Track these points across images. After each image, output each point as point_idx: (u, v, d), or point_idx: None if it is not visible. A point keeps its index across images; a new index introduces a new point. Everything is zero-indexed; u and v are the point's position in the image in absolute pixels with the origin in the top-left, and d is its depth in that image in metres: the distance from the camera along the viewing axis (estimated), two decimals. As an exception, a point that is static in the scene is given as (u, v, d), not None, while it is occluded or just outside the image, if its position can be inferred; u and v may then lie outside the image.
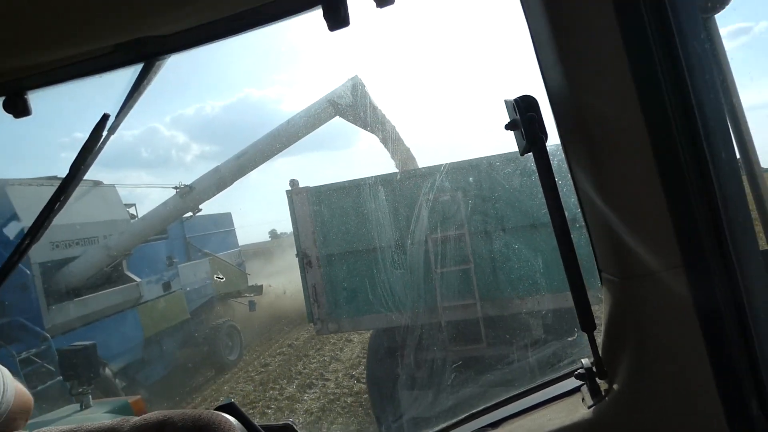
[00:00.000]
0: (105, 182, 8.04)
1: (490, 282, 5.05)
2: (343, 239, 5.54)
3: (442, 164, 5.35)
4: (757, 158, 0.73)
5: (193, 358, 8.80)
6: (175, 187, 7.46)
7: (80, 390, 2.93)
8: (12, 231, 6.17)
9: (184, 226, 9.46)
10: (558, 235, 0.84)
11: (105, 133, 0.85)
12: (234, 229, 11.49)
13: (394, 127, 7.85)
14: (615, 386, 0.81)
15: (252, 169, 7.31)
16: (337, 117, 7.22)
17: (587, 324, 0.83)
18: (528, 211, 4.73)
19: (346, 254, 5.54)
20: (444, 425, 0.99)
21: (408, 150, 8.07)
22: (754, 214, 0.75)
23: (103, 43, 0.81)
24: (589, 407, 0.83)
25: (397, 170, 7.67)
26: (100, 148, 0.86)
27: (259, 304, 10.61)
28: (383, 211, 5.40)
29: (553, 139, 0.87)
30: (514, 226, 4.94)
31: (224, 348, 9.00)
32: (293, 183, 5.76)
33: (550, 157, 0.85)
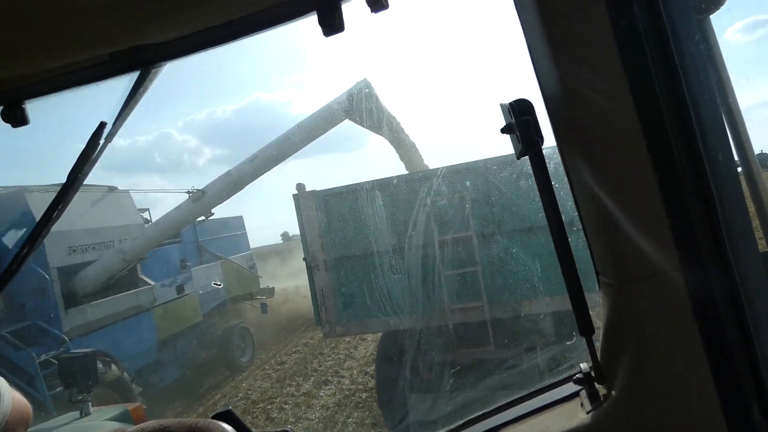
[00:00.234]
0: (120, 188, 8.21)
1: (498, 284, 5.01)
2: (350, 243, 5.55)
3: (451, 165, 5.34)
4: (755, 158, 0.72)
5: (207, 360, 8.92)
6: (188, 192, 7.57)
7: (80, 397, 2.93)
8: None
9: (196, 230, 9.59)
10: (555, 238, 0.83)
11: (102, 141, 0.87)
12: (246, 233, 11.61)
13: (403, 129, 7.88)
14: (614, 391, 0.80)
15: (264, 173, 7.38)
16: (347, 120, 7.25)
17: (585, 328, 0.82)
18: (540, 213, 4.68)
19: (353, 258, 5.56)
20: (443, 431, 0.98)
21: (417, 152, 8.08)
22: (753, 216, 0.74)
23: (99, 52, 0.82)
24: (588, 412, 0.82)
25: (407, 172, 7.69)
26: (98, 156, 0.88)
27: (271, 306, 10.72)
28: (389, 214, 5.41)
29: (549, 142, 0.87)
30: (523, 228, 4.90)
31: (237, 350, 9.10)
32: (300, 187, 5.80)
33: (546, 161, 0.85)
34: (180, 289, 8.59)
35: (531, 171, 0.87)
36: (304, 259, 5.82)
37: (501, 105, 0.88)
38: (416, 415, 4.72)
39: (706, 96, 0.73)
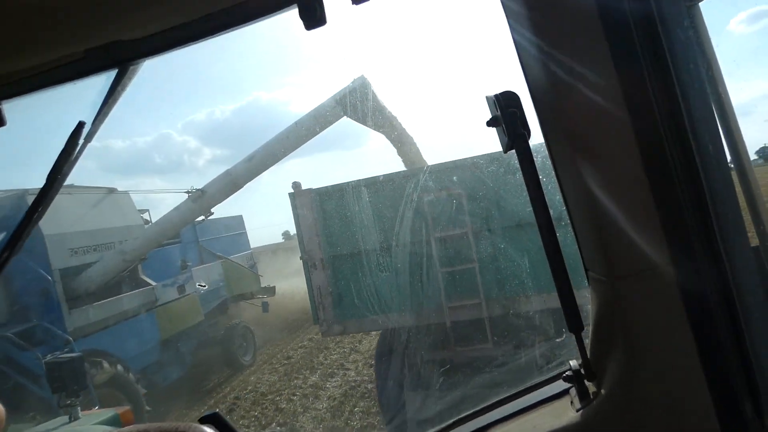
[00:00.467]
0: (119, 189, 8.22)
1: (495, 281, 5.00)
2: (346, 241, 5.53)
3: (446, 162, 5.32)
4: (746, 152, 0.70)
5: (209, 359, 8.98)
6: (187, 192, 7.57)
7: (68, 402, 2.91)
8: (32, 237, 6.36)
9: (196, 230, 9.60)
10: (543, 233, 0.82)
11: (81, 141, 0.85)
12: (245, 232, 11.61)
13: (401, 125, 7.84)
14: (603, 388, 0.79)
15: (263, 171, 7.37)
16: (346, 117, 7.23)
17: (574, 324, 0.80)
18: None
19: (350, 256, 5.54)
20: (432, 431, 0.97)
21: (416, 148, 8.05)
22: (744, 210, 0.72)
23: (73, 49, 0.80)
24: (578, 410, 0.81)
25: (405, 168, 7.66)
26: (77, 157, 0.86)
27: (272, 305, 10.76)
28: (385, 211, 5.39)
29: (537, 138, 0.85)
30: (520, 223, 4.88)
31: (239, 349, 9.14)
32: (296, 185, 5.77)
33: (534, 155, 0.83)
34: (181, 289, 8.62)
35: (537, 165, 0.84)
36: (301, 257, 5.82)
37: (486, 97, 0.86)
38: (415, 413, 4.72)
39: (697, 86, 0.71)
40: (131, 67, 0.82)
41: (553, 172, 0.85)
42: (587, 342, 0.83)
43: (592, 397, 0.80)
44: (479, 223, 5.06)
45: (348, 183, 5.60)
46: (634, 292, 0.75)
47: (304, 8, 0.77)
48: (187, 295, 8.67)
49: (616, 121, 0.75)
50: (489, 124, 0.86)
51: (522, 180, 0.82)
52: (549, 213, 0.81)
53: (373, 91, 7.03)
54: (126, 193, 8.32)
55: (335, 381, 7.41)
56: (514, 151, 0.83)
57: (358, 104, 6.88)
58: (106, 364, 6.58)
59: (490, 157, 5.03)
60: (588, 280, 0.83)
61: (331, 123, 7.21)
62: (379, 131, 7.72)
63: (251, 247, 11.87)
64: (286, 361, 8.95)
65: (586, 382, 0.82)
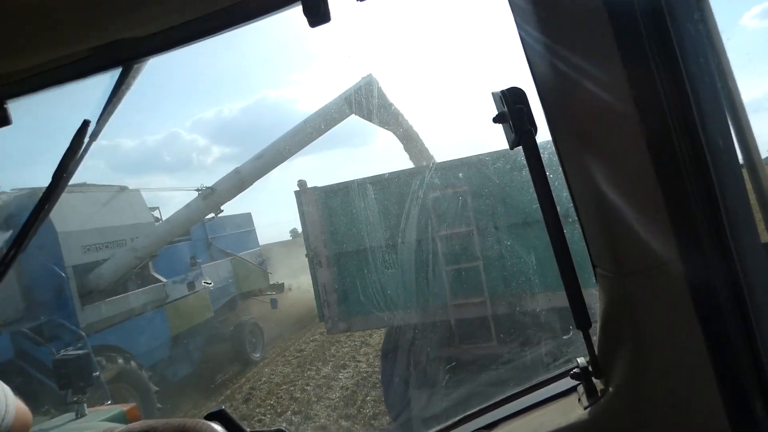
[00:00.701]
0: (130, 187, 8.32)
1: (500, 279, 4.97)
2: (351, 238, 5.55)
3: (452, 159, 5.30)
4: (756, 147, 0.68)
5: (219, 355, 9.09)
6: (197, 190, 7.65)
7: (74, 399, 2.93)
8: (46, 234, 6.48)
9: (206, 228, 9.69)
10: (550, 230, 0.81)
11: (87, 140, 0.86)
12: (254, 229, 11.69)
13: (409, 123, 7.82)
14: (611, 386, 0.79)
15: (271, 170, 7.42)
16: (353, 115, 7.24)
17: (582, 321, 0.80)
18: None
19: (355, 254, 5.55)
20: (438, 428, 0.97)
21: (424, 145, 8.02)
22: (754, 205, 0.71)
23: (79, 47, 0.81)
24: (585, 408, 0.80)
25: (413, 166, 7.65)
26: (83, 155, 0.87)
27: (281, 301, 10.86)
28: (390, 209, 5.39)
29: (543, 134, 0.85)
30: (526, 220, 4.84)
31: (248, 345, 9.23)
32: (301, 183, 5.80)
33: (541, 151, 0.83)
34: (191, 285, 8.72)
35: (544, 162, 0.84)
36: (307, 255, 5.85)
37: (493, 94, 0.85)
38: (419, 411, 4.72)
39: (706, 80, 0.70)
40: (136, 66, 0.82)
41: (560, 169, 0.84)
42: (595, 339, 0.82)
43: (599, 394, 0.80)
44: (485, 221, 5.03)
45: (353, 181, 5.62)
46: (643, 289, 0.74)
47: (308, 5, 0.78)
48: (196, 291, 8.77)
49: (623, 117, 0.74)
50: (495, 120, 0.86)
51: (528, 177, 0.82)
52: (556, 209, 0.81)
53: (380, 89, 7.03)
54: (137, 190, 8.43)
55: (347, 372, 7.56)
56: (520, 147, 0.82)
57: (364, 102, 6.88)
58: (118, 359, 6.70)
59: (497, 154, 5.00)
60: (596, 277, 0.83)
61: (338, 121, 7.22)
62: (386, 129, 7.72)
63: (260, 244, 11.95)
64: (298, 354, 9.16)
65: (594, 380, 0.82)
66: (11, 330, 6.23)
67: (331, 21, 0.80)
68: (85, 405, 2.91)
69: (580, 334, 0.84)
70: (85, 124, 0.85)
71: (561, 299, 4.53)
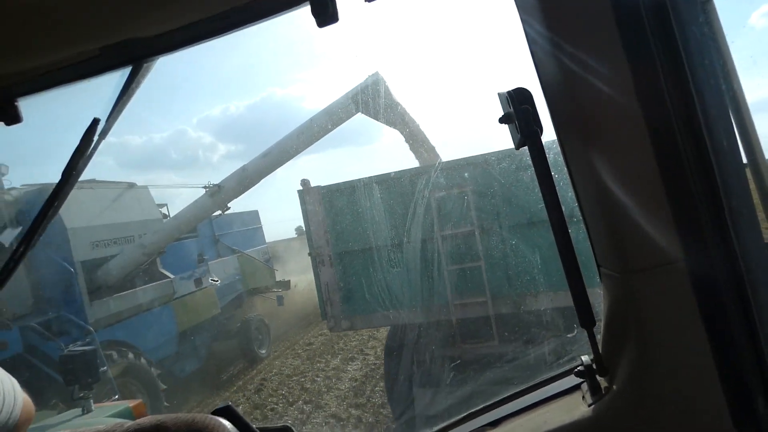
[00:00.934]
0: (138, 184, 8.40)
1: (503, 278, 4.96)
2: (354, 238, 5.55)
3: (458, 159, 5.29)
4: (760, 147, 0.69)
5: (226, 351, 9.17)
6: (205, 187, 7.70)
7: (80, 395, 2.91)
8: (55, 230, 6.57)
9: (213, 225, 9.76)
10: (555, 230, 0.82)
11: (96, 137, 0.88)
12: (261, 227, 11.75)
13: (415, 122, 7.82)
14: (615, 384, 0.79)
15: (277, 167, 7.46)
16: (359, 114, 7.25)
17: (586, 319, 0.81)
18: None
19: (358, 252, 5.56)
20: (443, 425, 0.98)
21: (430, 144, 8.02)
22: (758, 204, 0.71)
23: (89, 46, 0.82)
24: (589, 405, 0.81)
25: (419, 165, 7.64)
26: (92, 152, 0.89)
27: (287, 298, 10.94)
28: (392, 208, 5.39)
29: (549, 134, 0.85)
30: (531, 220, 4.83)
31: (255, 341, 9.30)
32: (304, 182, 5.82)
33: (546, 151, 0.83)
34: (198, 282, 8.78)
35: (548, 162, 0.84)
36: (310, 254, 5.88)
37: (499, 94, 0.86)
38: (422, 409, 4.74)
39: (711, 82, 0.71)
40: (145, 65, 0.83)
41: (565, 169, 0.85)
42: (599, 338, 0.83)
43: (603, 392, 0.81)
44: (489, 220, 5.02)
45: (357, 180, 5.62)
46: (647, 288, 0.75)
47: (316, 5, 0.78)
48: (204, 288, 8.84)
49: (629, 117, 0.75)
50: (501, 121, 0.87)
51: (533, 177, 0.82)
52: (561, 210, 0.82)
53: (386, 88, 7.03)
54: (145, 187, 8.50)
55: (356, 364, 7.72)
56: (526, 148, 0.83)
57: (371, 101, 6.88)
58: (127, 355, 6.78)
59: (502, 154, 4.98)
60: (600, 276, 0.83)
61: (344, 120, 7.23)
62: (392, 127, 7.72)
63: (266, 241, 12.01)
64: (308, 347, 9.34)
65: (598, 378, 0.82)
66: (21, 325, 6.31)
67: (339, 21, 0.81)
68: (92, 401, 2.92)
69: (584, 332, 0.84)
70: (95, 122, 0.86)
71: (564, 298, 4.55)
